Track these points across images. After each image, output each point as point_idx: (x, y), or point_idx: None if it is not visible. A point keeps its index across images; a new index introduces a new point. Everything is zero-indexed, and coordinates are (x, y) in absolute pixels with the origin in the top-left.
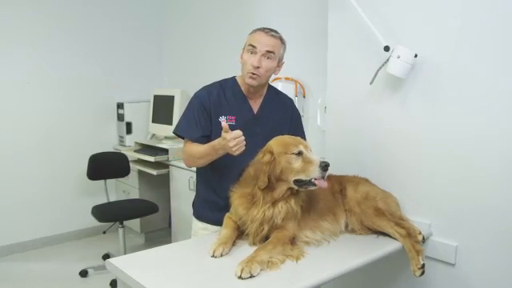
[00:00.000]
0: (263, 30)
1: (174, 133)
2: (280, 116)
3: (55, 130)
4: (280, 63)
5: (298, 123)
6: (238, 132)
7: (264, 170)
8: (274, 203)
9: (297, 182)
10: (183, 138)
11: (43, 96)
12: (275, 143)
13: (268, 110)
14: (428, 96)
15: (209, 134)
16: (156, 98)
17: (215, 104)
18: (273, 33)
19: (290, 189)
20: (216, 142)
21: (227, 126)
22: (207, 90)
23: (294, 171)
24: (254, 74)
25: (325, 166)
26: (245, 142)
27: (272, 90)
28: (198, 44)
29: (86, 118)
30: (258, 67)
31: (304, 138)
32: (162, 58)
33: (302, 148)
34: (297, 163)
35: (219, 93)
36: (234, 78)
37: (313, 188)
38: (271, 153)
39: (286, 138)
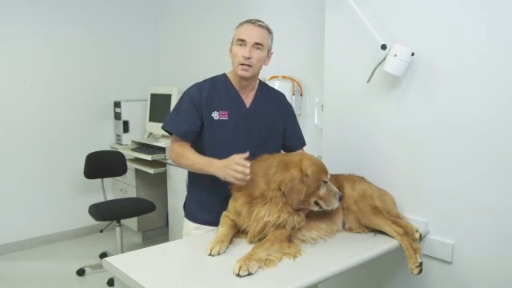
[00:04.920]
0: (250, 21)
1: (162, 128)
2: (273, 111)
3: (51, 128)
4: (269, 53)
5: (295, 122)
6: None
7: (301, 190)
8: (291, 214)
9: (317, 205)
10: (171, 134)
11: (39, 94)
12: (309, 164)
13: (261, 104)
14: (425, 94)
15: (197, 130)
16: (153, 96)
17: (207, 100)
18: (260, 23)
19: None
20: (217, 161)
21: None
22: (198, 87)
23: (318, 197)
24: (245, 64)
25: (340, 197)
26: (248, 176)
27: (263, 85)
28: (194, 42)
29: (83, 117)
30: (249, 58)
31: (302, 135)
32: (159, 56)
33: (329, 177)
34: (322, 190)
35: (210, 89)
36: (224, 74)
37: (327, 209)
38: (307, 176)
39: (316, 160)
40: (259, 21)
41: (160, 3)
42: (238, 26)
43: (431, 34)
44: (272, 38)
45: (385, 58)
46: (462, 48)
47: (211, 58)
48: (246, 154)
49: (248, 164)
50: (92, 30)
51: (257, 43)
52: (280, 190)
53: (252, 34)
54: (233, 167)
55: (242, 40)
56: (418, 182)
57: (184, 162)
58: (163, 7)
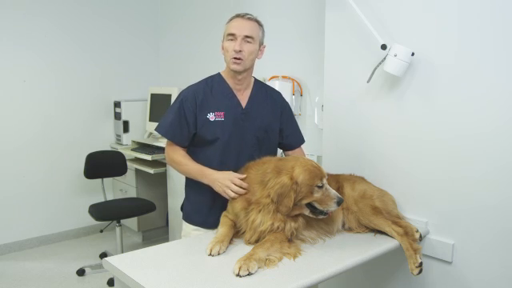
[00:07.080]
0: (239, 15)
1: (155, 130)
2: (269, 110)
3: (52, 128)
4: (261, 47)
5: (291, 119)
6: (246, 184)
7: (290, 198)
8: (284, 221)
9: (311, 207)
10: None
11: (39, 94)
12: (301, 171)
13: (257, 104)
14: (425, 94)
15: (189, 135)
16: (153, 96)
17: (201, 102)
18: (249, 16)
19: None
20: (209, 172)
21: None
22: (193, 89)
23: (312, 200)
24: (237, 58)
25: (339, 202)
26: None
27: (258, 84)
28: (194, 42)
29: (83, 117)
30: (240, 51)
31: (300, 132)
32: (159, 56)
33: (324, 181)
34: (317, 194)
35: (205, 90)
36: (219, 74)
37: (323, 216)
38: (297, 184)
39: (310, 166)
40: (248, 14)
41: (160, 3)
42: (227, 22)
43: (431, 33)
44: (263, 30)
45: (385, 58)
46: (462, 48)
47: (211, 58)
48: (244, 176)
49: (245, 185)
50: (92, 31)
51: (247, 36)
52: (269, 196)
53: (242, 28)
54: (231, 187)
55: (232, 34)
56: (417, 182)
57: (176, 167)
58: (163, 7)
